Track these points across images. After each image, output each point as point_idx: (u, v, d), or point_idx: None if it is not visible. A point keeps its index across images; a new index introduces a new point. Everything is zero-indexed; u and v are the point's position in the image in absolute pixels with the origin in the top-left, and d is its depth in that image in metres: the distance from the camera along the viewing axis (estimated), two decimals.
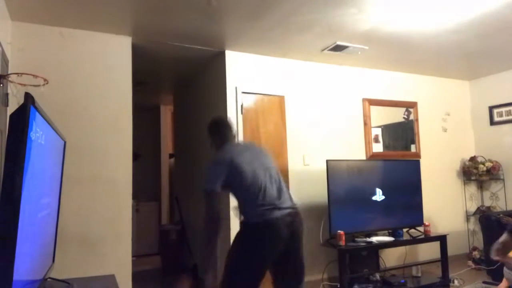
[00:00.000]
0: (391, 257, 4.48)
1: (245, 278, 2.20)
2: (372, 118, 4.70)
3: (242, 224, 2.29)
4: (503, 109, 5.08)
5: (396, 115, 4.93)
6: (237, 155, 2.27)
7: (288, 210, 2.22)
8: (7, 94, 2.83)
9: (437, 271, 4.16)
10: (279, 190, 2.28)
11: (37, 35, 3.20)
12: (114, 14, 3.11)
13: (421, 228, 4.24)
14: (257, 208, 2.18)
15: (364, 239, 3.89)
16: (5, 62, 2.85)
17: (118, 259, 3.30)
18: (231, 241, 2.35)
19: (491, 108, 5.22)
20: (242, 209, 2.30)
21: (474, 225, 5.21)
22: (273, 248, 2.18)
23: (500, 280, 3.69)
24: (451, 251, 4.26)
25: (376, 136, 4.73)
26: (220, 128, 2.49)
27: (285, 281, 2.30)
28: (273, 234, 2.15)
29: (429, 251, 4.55)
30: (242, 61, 4.07)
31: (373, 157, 4.60)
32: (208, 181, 2.19)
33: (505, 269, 3.55)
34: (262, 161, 2.34)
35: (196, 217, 4.88)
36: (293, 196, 2.39)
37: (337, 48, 3.96)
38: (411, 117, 5.01)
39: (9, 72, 2.85)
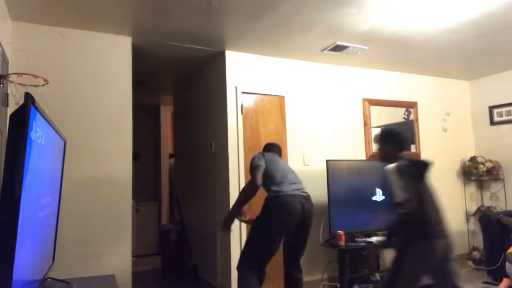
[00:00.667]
0: (391, 257, 4.47)
1: (263, 244, 2.75)
2: (372, 118, 4.70)
3: (265, 199, 2.83)
4: (503, 109, 5.08)
5: (396, 115, 4.93)
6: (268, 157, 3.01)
7: (302, 193, 2.85)
8: (7, 94, 2.83)
9: None
10: (296, 178, 2.97)
11: (37, 35, 3.20)
12: (114, 14, 3.11)
13: None
14: (279, 187, 2.81)
15: (364, 239, 3.89)
16: (5, 62, 2.85)
17: (118, 259, 3.30)
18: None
19: (491, 108, 5.22)
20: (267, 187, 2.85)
21: (474, 225, 5.21)
22: (288, 219, 2.73)
23: (500, 280, 3.70)
24: None
25: (376, 136, 4.72)
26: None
27: (291, 252, 2.95)
28: (289, 208, 2.72)
29: None
30: (242, 61, 4.07)
31: (373, 157, 4.59)
32: (255, 160, 2.88)
33: (507, 264, 3.56)
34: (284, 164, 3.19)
35: (196, 217, 4.88)
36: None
37: (337, 48, 3.96)
38: (411, 117, 5.01)
39: (9, 72, 2.85)
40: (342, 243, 3.66)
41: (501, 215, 4.27)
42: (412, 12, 3.19)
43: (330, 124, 4.45)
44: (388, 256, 4.43)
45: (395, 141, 2.50)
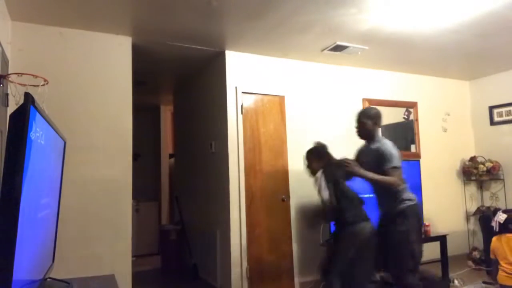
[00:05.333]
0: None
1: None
2: None
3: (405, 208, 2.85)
4: (503, 109, 5.08)
5: (396, 115, 4.93)
6: None
7: None
8: (7, 94, 2.83)
9: (437, 271, 4.16)
10: None
11: (37, 35, 3.20)
12: (114, 14, 3.11)
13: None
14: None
15: None
16: (5, 62, 2.85)
17: (118, 259, 3.30)
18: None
19: (491, 108, 5.22)
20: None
21: (474, 225, 5.21)
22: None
23: None
24: (451, 251, 4.26)
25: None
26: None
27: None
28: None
29: (429, 251, 4.51)
30: (242, 61, 4.07)
31: None
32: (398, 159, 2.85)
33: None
34: None
35: (196, 217, 4.88)
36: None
37: (337, 48, 3.96)
38: (411, 117, 5.01)
39: (9, 72, 2.85)
40: None
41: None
42: (412, 12, 3.19)
43: (330, 124, 4.45)
44: None
45: (318, 155, 3.06)
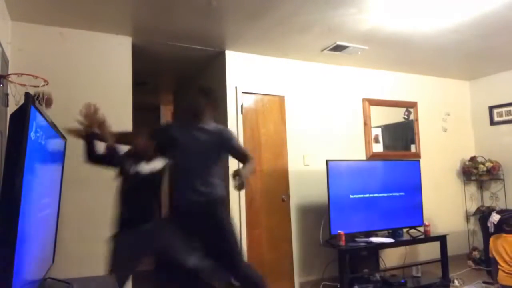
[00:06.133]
0: (391, 257, 4.47)
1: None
2: (372, 118, 4.70)
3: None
4: (503, 109, 5.08)
5: (396, 115, 4.93)
6: None
7: None
8: (7, 94, 2.82)
9: (437, 271, 4.16)
10: None
11: (37, 35, 3.20)
12: (114, 14, 3.11)
13: (421, 228, 4.24)
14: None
15: (364, 239, 3.89)
16: (5, 62, 2.85)
17: None
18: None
19: (491, 108, 5.22)
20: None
21: (474, 225, 5.20)
22: None
23: None
24: (451, 251, 4.26)
25: (376, 136, 4.73)
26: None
27: None
28: None
29: (429, 251, 4.54)
30: (242, 61, 4.06)
31: (373, 157, 4.59)
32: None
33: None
34: None
35: None
36: None
37: (337, 48, 3.96)
38: (411, 117, 5.01)
39: (9, 72, 2.85)
40: (342, 243, 3.66)
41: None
42: (412, 12, 3.18)
43: (330, 124, 4.45)
44: (388, 256, 4.43)
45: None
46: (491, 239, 3.72)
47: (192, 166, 2.55)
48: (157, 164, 2.44)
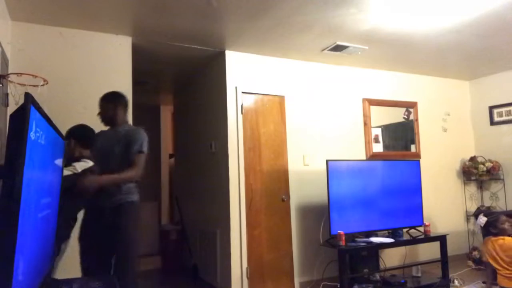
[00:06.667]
0: (391, 257, 4.47)
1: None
2: (372, 118, 4.70)
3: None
4: (503, 109, 5.08)
5: (396, 115, 4.93)
6: None
7: None
8: (7, 94, 2.83)
9: (437, 271, 4.16)
10: None
11: (37, 35, 3.20)
12: (114, 14, 3.11)
13: (421, 228, 4.24)
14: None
15: (364, 239, 3.89)
16: (5, 62, 2.85)
17: None
18: None
19: (491, 108, 5.22)
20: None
21: (474, 225, 5.20)
22: None
23: None
24: (451, 251, 4.26)
25: (376, 136, 4.73)
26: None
27: None
28: None
29: (429, 251, 4.55)
30: (242, 61, 4.07)
31: (373, 157, 4.60)
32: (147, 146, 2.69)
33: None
34: None
35: (196, 217, 4.88)
36: None
37: (337, 48, 3.96)
38: (411, 117, 5.01)
39: (9, 72, 2.85)
40: (342, 243, 3.66)
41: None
42: (412, 12, 3.19)
43: (330, 124, 4.45)
44: (388, 256, 4.43)
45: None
46: (483, 243, 3.69)
47: (103, 169, 2.64)
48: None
